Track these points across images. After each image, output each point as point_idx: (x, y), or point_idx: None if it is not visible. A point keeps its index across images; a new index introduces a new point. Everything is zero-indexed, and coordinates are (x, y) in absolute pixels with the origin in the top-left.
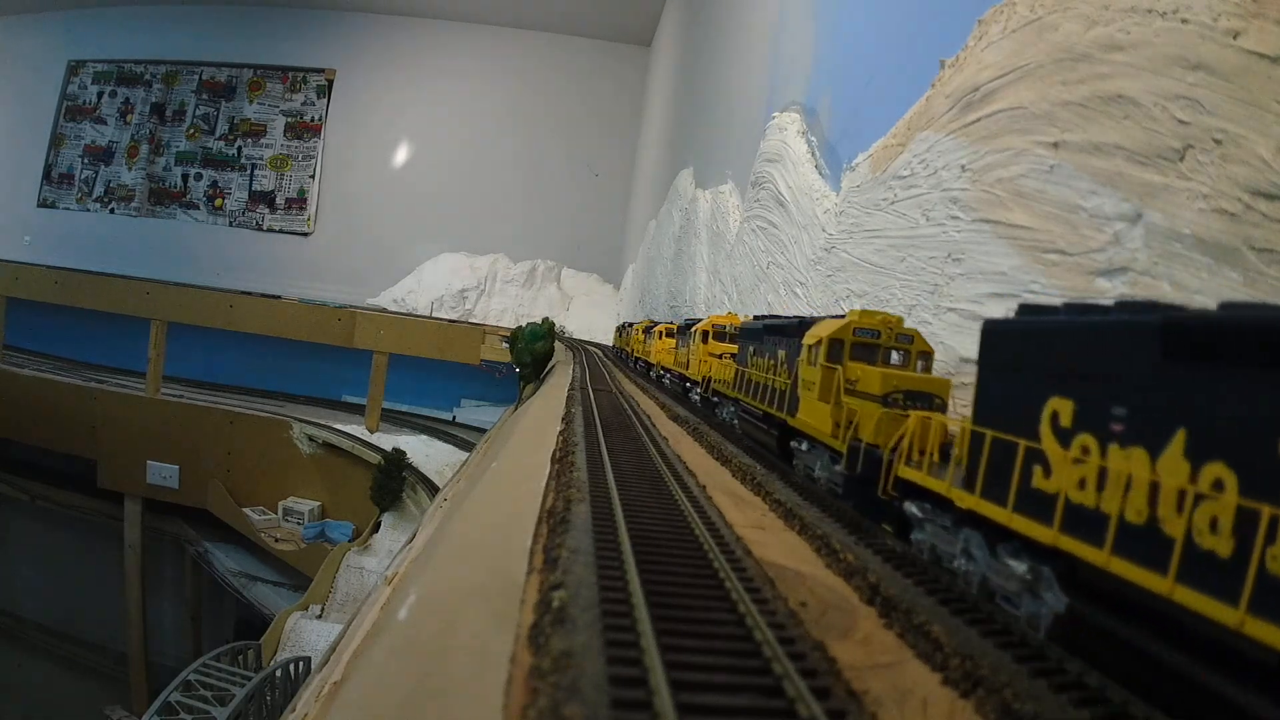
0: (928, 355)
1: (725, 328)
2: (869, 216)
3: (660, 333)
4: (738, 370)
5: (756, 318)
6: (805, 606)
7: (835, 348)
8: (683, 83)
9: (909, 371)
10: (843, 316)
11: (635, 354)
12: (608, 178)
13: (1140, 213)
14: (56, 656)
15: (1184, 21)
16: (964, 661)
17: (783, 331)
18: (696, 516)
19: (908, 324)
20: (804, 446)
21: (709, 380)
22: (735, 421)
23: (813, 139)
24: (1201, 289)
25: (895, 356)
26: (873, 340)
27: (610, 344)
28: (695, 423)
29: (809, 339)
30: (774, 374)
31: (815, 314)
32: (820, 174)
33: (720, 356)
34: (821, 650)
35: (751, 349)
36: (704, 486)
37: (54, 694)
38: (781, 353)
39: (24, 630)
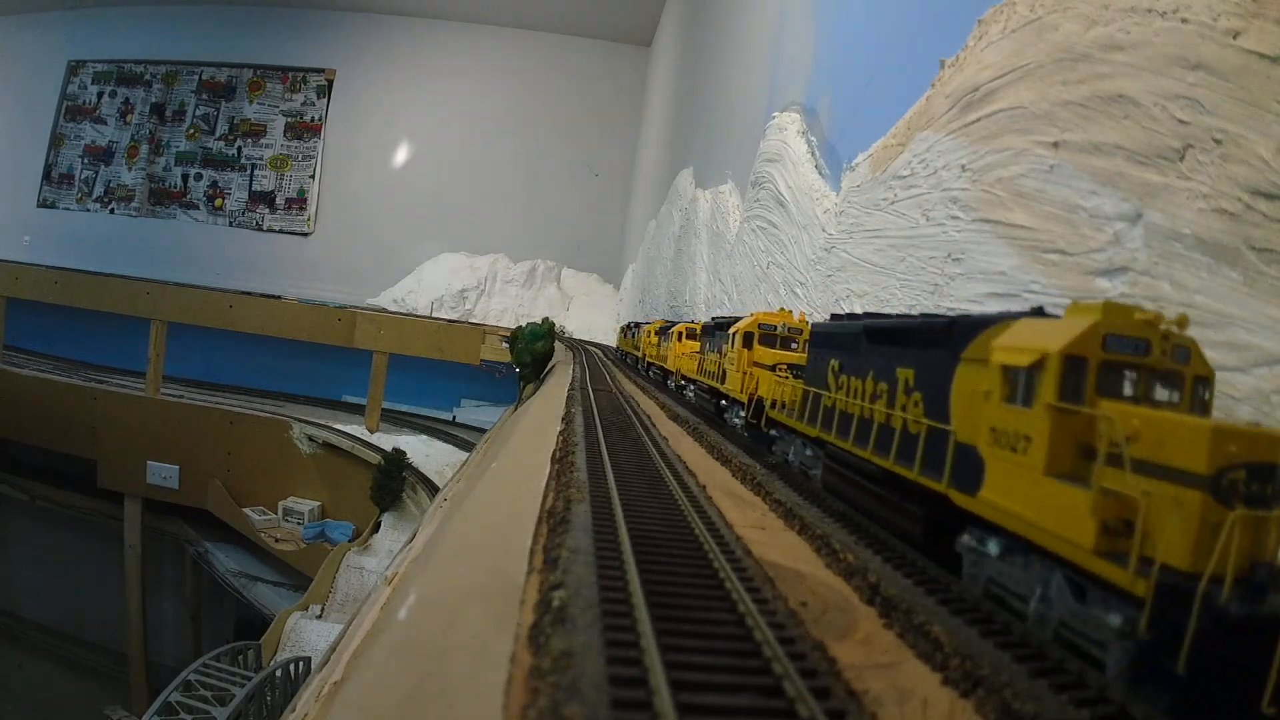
0: (1207, 382)
1: (777, 329)
2: (869, 216)
3: (679, 334)
4: (808, 393)
5: (839, 316)
6: (805, 606)
7: (1074, 373)
8: (683, 83)
9: (1239, 422)
10: (1051, 315)
11: (647, 358)
12: (608, 178)
13: (1140, 212)
14: (56, 656)
15: (1184, 21)
16: (964, 661)
17: (906, 338)
18: (696, 516)
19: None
20: (995, 551)
21: (759, 402)
22: (816, 472)
23: (813, 139)
24: (1201, 289)
25: (1128, 385)
26: (1138, 359)
27: (613, 345)
28: (695, 423)
29: (1005, 354)
30: (892, 407)
31: (813, 311)
32: (820, 174)
33: (774, 369)
34: (821, 650)
35: (836, 363)
36: (704, 486)
37: (54, 694)
38: (906, 373)
39: (24, 630)
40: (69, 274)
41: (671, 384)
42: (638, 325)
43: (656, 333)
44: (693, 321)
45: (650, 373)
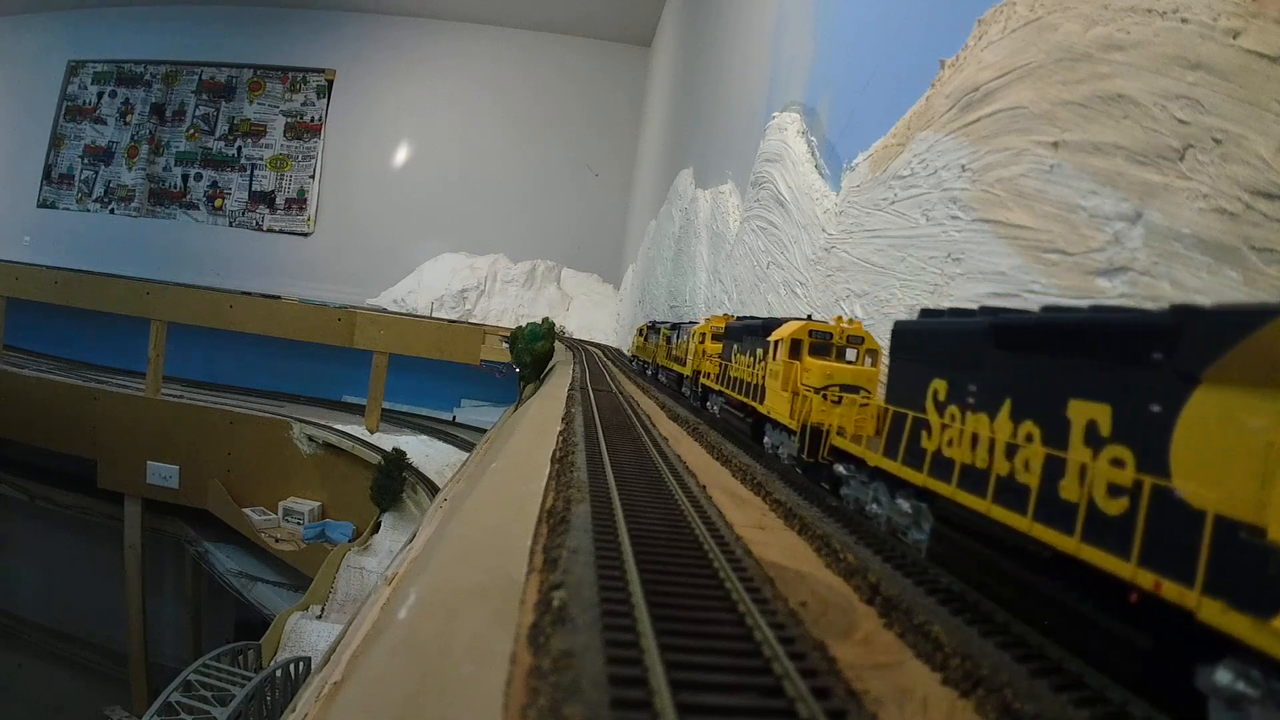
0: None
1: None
2: (869, 216)
3: (784, 345)
4: None
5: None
6: (805, 606)
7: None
8: (683, 83)
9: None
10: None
11: (702, 380)
12: (608, 178)
13: (1140, 212)
14: (56, 656)
15: (1184, 21)
16: (964, 661)
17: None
18: (696, 516)
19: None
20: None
21: None
22: None
23: (813, 139)
24: (1201, 289)
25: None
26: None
27: (615, 345)
28: (695, 422)
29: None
30: None
31: (814, 311)
32: (820, 174)
33: None
34: (822, 650)
35: None
36: (704, 486)
37: (54, 694)
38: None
39: (24, 630)
40: (69, 274)
41: (778, 449)
42: (676, 326)
43: (717, 337)
44: (811, 318)
45: (716, 408)
